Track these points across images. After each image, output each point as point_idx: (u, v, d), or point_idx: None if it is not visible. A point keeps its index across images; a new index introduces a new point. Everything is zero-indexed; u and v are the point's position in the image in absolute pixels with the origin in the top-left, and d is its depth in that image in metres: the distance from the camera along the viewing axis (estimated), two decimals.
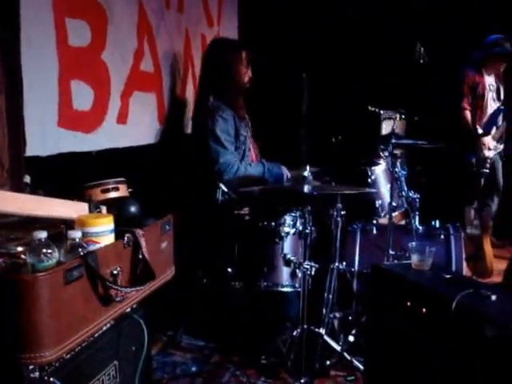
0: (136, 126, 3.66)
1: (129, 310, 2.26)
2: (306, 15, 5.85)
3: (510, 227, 5.96)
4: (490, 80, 5.64)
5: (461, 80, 5.56)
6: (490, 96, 5.62)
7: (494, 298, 2.37)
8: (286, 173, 3.98)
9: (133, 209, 2.52)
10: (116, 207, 2.45)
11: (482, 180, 5.04)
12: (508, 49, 5.40)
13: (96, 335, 2.05)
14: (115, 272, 2.07)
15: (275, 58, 5.46)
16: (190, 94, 4.52)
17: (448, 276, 2.70)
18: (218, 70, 3.92)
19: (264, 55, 4.92)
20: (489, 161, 5.13)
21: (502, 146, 5.58)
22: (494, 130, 5.44)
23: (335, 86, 5.79)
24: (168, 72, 4.11)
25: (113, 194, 2.65)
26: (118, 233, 2.19)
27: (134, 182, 2.89)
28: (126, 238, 2.17)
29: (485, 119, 5.54)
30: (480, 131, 5.49)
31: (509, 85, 5.57)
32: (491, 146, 5.37)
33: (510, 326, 2.10)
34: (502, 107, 5.48)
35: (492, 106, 5.60)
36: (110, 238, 2.13)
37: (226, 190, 3.64)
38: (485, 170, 5.01)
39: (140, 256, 2.23)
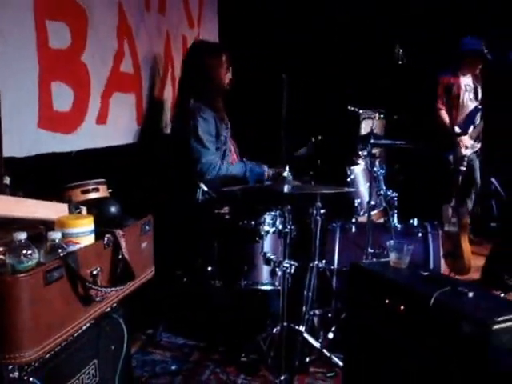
0: (115, 127, 3.67)
1: (108, 309, 2.28)
2: (285, 16, 5.87)
3: (488, 224, 6.03)
4: (466, 80, 5.71)
5: (436, 82, 5.62)
6: (467, 96, 5.68)
7: (470, 295, 2.40)
8: (267, 172, 4.02)
9: (113, 209, 2.54)
10: (96, 208, 2.46)
11: (460, 178, 5.11)
12: (481, 49, 5.47)
13: (76, 335, 2.07)
14: (95, 272, 2.10)
15: (255, 58, 5.48)
16: (169, 94, 4.53)
17: (425, 273, 2.72)
18: (198, 73, 3.94)
19: (244, 56, 4.94)
20: (466, 159, 5.19)
21: (479, 145, 5.63)
22: (471, 129, 5.50)
23: (315, 87, 5.82)
24: (147, 73, 4.13)
25: (93, 195, 2.65)
26: (98, 233, 2.21)
27: (113, 182, 2.90)
28: (105, 239, 2.19)
29: (462, 118, 5.60)
30: (457, 130, 5.55)
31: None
32: (468, 145, 5.42)
33: (487, 322, 2.14)
34: (480, 107, 5.54)
35: (469, 105, 5.66)
36: (90, 239, 2.15)
37: (206, 189, 3.67)
38: (462, 168, 5.07)
39: (120, 256, 2.25)
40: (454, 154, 5.18)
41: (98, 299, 2.10)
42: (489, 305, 2.35)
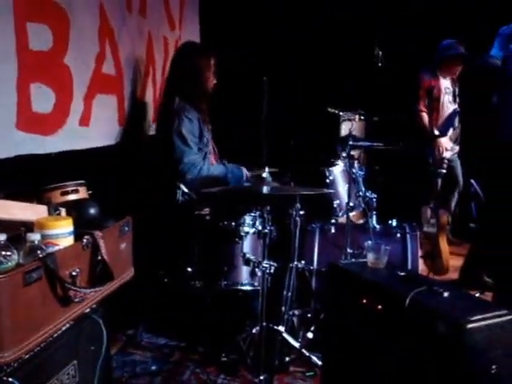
0: (98, 128, 3.68)
1: (88, 310, 2.30)
2: (266, 19, 5.90)
3: (467, 226, 6.09)
4: (445, 83, 5.76)
5: (417, 83, 5.66)
6: (446, 99, 5.73)
7: (446, 294, 2.43)
8: (246, 173, 4.05)
9: (92, 211, 2.55)
10: (75, 209, 2.48)
11: (439, 180, 5.16)
12: (461, 51, 5.52)
13: (55, 335, 2.08)
14: (74, 273, 2.11)
15: (236, 61, 5.50)
16: (151, 96, 4.55)
17: (402, 274, 2.75)
18: (186, 73, 3.96)
19: (225, 58, 4.96)
20: (445, 161, 5.24)
21: (458, 147, 5.69)
22: (450, 132, 5.55)
23: (295, 89, 5.85)
24: (129, 75, 4.13)
25: (72, 197, 2.68)
26: (77, 235, 2.23)
27: (94, 183, 2.92)
28: (84, 240, 2.21)
29: (441, 121, 5.64)
30: (437, 133, 5.60)
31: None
32: (448, 147, 5.47)
33: (461, 322, 2.17)
34: (458, 109, 5.60)
35: (448, 108, 5.71)
36: (69, 240, 2.17)
37: (186, 190, 3.69)
38: (441, 170, 5.12)
39: (99, 257, 2.27)
40: (433, 156, 5.22)
41: (77, 300, 2.12)
42: (464, 304, 2.38)
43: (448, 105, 5.73)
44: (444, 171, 5.12)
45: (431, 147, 5.31)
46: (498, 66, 4.47)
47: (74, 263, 2.12)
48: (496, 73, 4.39)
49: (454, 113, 5.59)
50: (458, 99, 5.78)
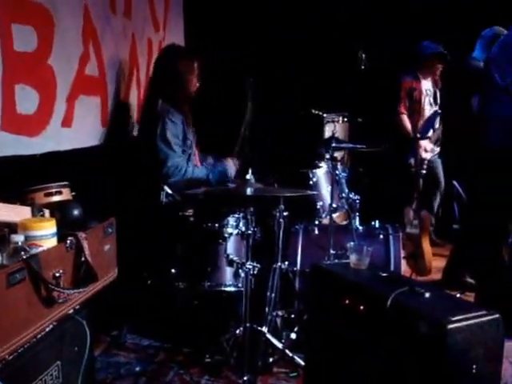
0: (80, 129, 3.67)
1: (72, 311, 2.31)
2: (250, 21, 5.92)
3: (449, 226, 6.14)
4: (427, 85, 5.79)
5: (398, 85, 5.70)
6: (427, 101, 5.77)
7: (427, 295, 2.45)
8: (232, 167, 4.08)
9: (76, 212, 2.56)
10: (59, 211, 2.48)
11: (421, 181, 5.20)
12: (440, 49, 5.57)
13: (39, 336, 2.08)
14: (58, 274, 2.12)
15: (221, 62, 5.51)
16: (134, 97, 4.54)
17: (384, 274, 2.78)
18: (169, 76, 3.97)
19: (209, 59, 4.97)
20: (426, 162, 5.28)
21: (438, 149, 5.72)
22: (431, 133, 5.59)
23: (279, 90, 5.87)
24: (113, 76, 4.13)
25: (56, 198, 2.67)
26: (61, 236, 2.23)
27: (78, 184, 2.92)
28: (68, 241, 2.22)
29: (422, 123, 5.67)
30: (418, 135, 5.63)
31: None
32: (428, 149, 5.50)
33: (442, 322, 2.19)
34: (439, 111, 5.64)
35: (429, 110, 5.75)
36: (52, 241, 2.18)
37: (170, 192, 3.69)
38: (422, 171, 5.16)
39: (82, 258, 2.28)
40: (414, 158, 5.25)
41: (60, 301, 2.13)
42: (445, 305, 2.41)
43: (428, 107, 5.78)
44: (425, 172, 5.17)
45: (412, 149, 5.34)
46: (480, 69, 4.53)
47: (58, 264, 2.13)
48: (478, 75, 4.44)
49: (434, 114, 5.63)
50: (439, 100, 5.82)
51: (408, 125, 5.64)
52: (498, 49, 3.99)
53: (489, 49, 4.62)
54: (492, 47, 4.53)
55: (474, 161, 4.24)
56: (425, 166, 5.13)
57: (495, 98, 3.90)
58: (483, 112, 4.08)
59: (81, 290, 2.23)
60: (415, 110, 5.67)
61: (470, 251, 4.76)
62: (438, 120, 5.61)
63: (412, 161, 5.35)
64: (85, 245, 2.28)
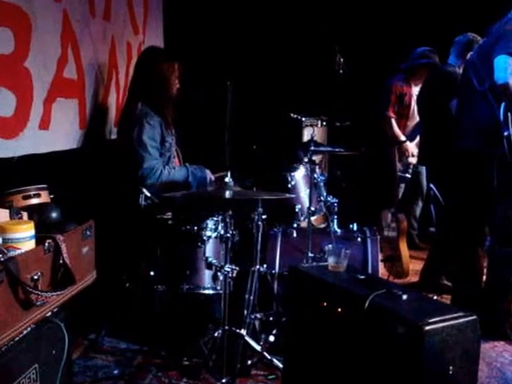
0: (58, 132, 3.65)
1: (49, 314, 2.30)
2: (230, 25, 5.93)
3: (427, 229, 6.19)
4: (416, 90, 5.82)
5: (388, 89, 5.70)
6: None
7: (404, 297, 2.48)
8: (210, 175, 4.07)
9: (54, 215, 2.55)
10: (37, 213, 2.48)
11: (403, 185, 5.25)
12: (434, 60, 5.61)
13: (16, 339, 2.08)
14: (35, 277, 2.12)
15: (200, 66, 5.52)
16: (113, 100, 4.53)
17: (362, 277, 2.80)
18: (150, 78, 3.97)
19: (189, 63, 4.97)
20: (411, 167, 5.33)
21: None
22: (417, 138, 5.63)
23: (259, 94, 5.89)
24: (91, 79, 4.11)
25: (34, 201, 2.66)
26: (39, 238, 2.23)
27: (56, 187, 2.91)
28: (46, 244, 2.22)
29: (410, 127, 5.69)
30: (403, 138, 5.67)
31: None
32: (415, 153, 5.54)
33: (419, 324, 2.22)
34: None
35: (418, 115, 5.78)
36: (30, 244, 2.17)
37: (148, 194, 3.69)
38: (407, 175, 5.21)
39: (60, 261, 2.27)
40: (401, 162, 5.29)
41: (38, 303, 2.12)
42: (422, 307, 2.43)
43: (416, 112, 5.80)
44: (409, 176, 5.21)
45: (398, 152, 5.38)
46: (456, 74, 4.58)
47: (36, 267, 2.13)
48: (455, 80, 4.49)
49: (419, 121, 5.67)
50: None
51: (397, 129, 5.65)
52: (476, 55, 4.04)
53: (463, 55, 4.69)
54: (466, 53, 4.60)
55: (451, 164, 4.29)
56: (410, 171, 5.18)
57: (473, 103, 3.94)
58: (461, 116, 4.12)
59: (59, 292, 2.23)
60: (404, 114, 5.70)
61: (447, 254, 4.82)
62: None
63: (399, 165, 5.38)
64: (63, 247, 2.27)
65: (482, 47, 3.98)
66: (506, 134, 3.68)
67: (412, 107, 5.77)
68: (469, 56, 4.47)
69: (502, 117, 3.72)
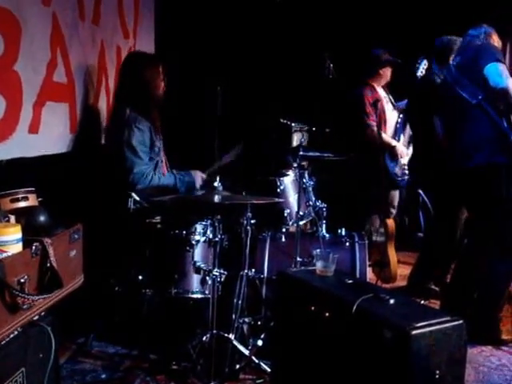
0: (48, 136, 3.65)
1: (36, 317, 2.30)
2: (220, 30, 5.94)
3: (415, 235, 6.22)
4: (382, 93, 5.82)
5: (361, 100, 5.63)
6: (389, 107, 5.82)
7: (392, 301, 2.50)
8: (199, 177, 4.08)
9: (42, 218, 2.55)
10: (25, 216, 2.47)
11: (403, 190, 5.28)
12: (391, 58, 5.66)
13: (3, 342, 2.08)
14: (22, 280, 2.11)
15: (190, 71, 5.53)
16: (103, 104, 4.53)
17: (350, 281, 2.82)
18: (134, 83, 3.98)
19: (180, 68, 4.99)
20: (406, 167, 5.35)
21: (410, 151, 5.72)
22: (402, 139, 5.65)
23: (249, 99, 5.90)
24: (81, 83, 4.11)
25: (22, 204, 2.66)
26: (27, 242, 2.23)
27: (45, 191, 2.91)
28: (33, 247, 2.22)
29: (391, 130, 5.70)
30: (394, 143, 5.66)
31: None
32: (404, 154, 5.55)
33: (406, 328, 2.23)
34: (401, 115, 5.70)
35: (392, 116, 5.80)
36: (17, 247, 2.17)
37: (137, 198, 3.69)
38: (405, 178, 5.25)
39: (48, 264, 2.27)
40: (397, 166, 5.30)
41: (25, 307, 2.12)
42: (409, 311, 2.45)
43: (391, 113, 5.82)
44: (407, 178, 5.25)
45: (391, 158, 5.37)
46: (439, 84, 4.60)
47: (23, 270, 2.13)
48: (438, 91, 4.50)
49: (398, 119, 5.69)
50: (395, 105, 5.88)
51: (384, 135, 5.63)
52: (457, 73, 4.04)
53: (444, 60, 4.69)
54: (448, 57, 4.60)
55: (445, 177, 4.37)
56: (406, 172, 5.21)
57: (470, 118, 3.94)
58: (456, 134, 4.10)
59: (45, 296, 2.23)
60: (382, 119, 5.71)
61: (435, 259, 4.84)
62: (401, 123, 5.66)
63: (397, 170, 5.38)
64: (50, 251, 2.27)
65: (460, 67, 3.99)
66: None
67: (386, 111, 5.79)
68: (451, 61, 4.49)
69: (505, 124, 3.76)
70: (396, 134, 5.60)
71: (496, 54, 3.73)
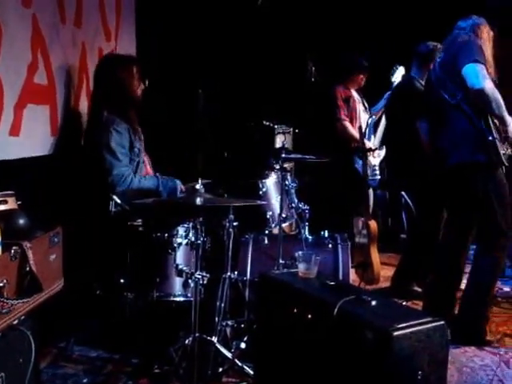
0: (29, 138, 3.63)
1: (16, 321, 2.28)
2: (203, 32, 5.94)
3: (398, 236, 6.23)
4: (356, 95, 5.87)
5: (333, 95, 5.71)
6: (361, 108, 5.85)
7: (373, 303, 2.51)
8: (180, 186, 4.06)
9: (21, 221, 2.53)
10: (4, 220, 2.45)
11: (371, 190, 5.29)
12: (364, 64, 5.76)
13: None
14: (1, 284, 2.10)
15: (172, 73, 5.52)
16: (85, 106, 4.50)
17: (332, 283, 2.82)
18: (110, 85, 3.97)
19: (161, 70, 4.98)
20: (377, 168, 5.36)
21: (383, 152, 5.75)
22: (372, 139, 5.67)
23: (231, 102, 5.90)
24: (62, 85, 4.09)
25: (1, 207, 2.63)
26: (6, 245, 2.21)
27: (25, 194, 2.89)
28: (12, 251, 2.20)
29: (363, 130, 5.71)
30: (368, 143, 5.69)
31: None
32: (375, 154, 5.58)
33: (388, 329, 2.23)
34: (374, 117, 5.74)
35: (363, 116, 5.83)
36: None
37: (119, 201, 3.67)
38: (376, 178, 5.26)
39: (27, 268, 2.25)
40: (364, 165, 5.31)
41: (4, 311, 2.10)
42: (390, 312, 2.46)
43: (362, 113, 5.85)
44: (379, 177, 5.27)
45: (361, 157, 5.38)
46: (421, 89, 4.63)
47: (2, 274, 2.11)
48: (420, 96, 4.54)
49: (370, 120, 5.72)
50: (367, 107, 5.91)
51: (353, 130, 5.66)
52: (440, 71, 4.07)
53: (426, 65, 4.73)
54: (428, 63, 4.64)
55: (424, 177, 4.45)
56: (377, 172, 5.22)
57: (450, 118, 3.97)
58: (439, 134, 4.13)
59: (25, 300, 2.21)
60: (353, 117, 5.74)
61: (416, 260, 4.86)
62: (372, 125, 5.70)
63: (366, 169, 5.40)
64: (29, 254, 2.25)
65: (443, 64, 4.01)
66: (490, 139, 3.74)
67: (358, 110, 5.82)
68: (432, 67, 4.52)
69: (482, 124, 3.78)
70: (366, 135, 5.60)
71: (475, 55, 3.74)
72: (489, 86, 3.65)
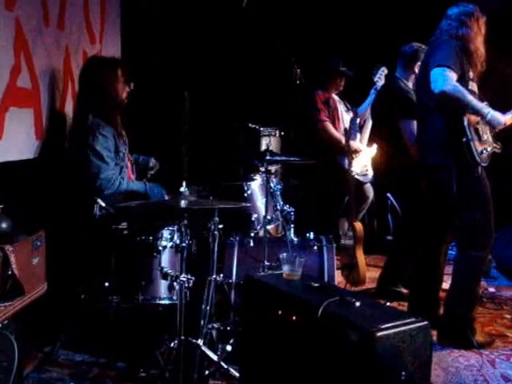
0: (12, 142, 3.61)
1: None
2: (189, 34, 5.94)
3: (384, 238, 6.25)
4: (336, 97, 5.89)
5: (312, 98, 5.72)
6: (342, 108, 5.87)
7: (357, 304, 2.52)
8: (164, 195, 4.07)
9: (3, 225, 2.52)
10: None
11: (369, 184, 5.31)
12: (343, 69, 5.76)
13: None
14: None
15: (157, 75, 5.52)
16: (70, 109, 4.49)
17: (316, 285, 2.83)
18: (94, 89, 3.96)
19: (147, 73, 4.97)
20: (367, 166, 5.38)
21: (371, 150, 5.74)
22: (358, 137, 5.68)
23: (216, 104, 5.90)
24: (46, 88, 4.08)
25: None
26: None
27: (8, 197, 2.87)
28: None
29: (342, 130, 5.71)
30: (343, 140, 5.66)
31: None
32: (359, 148, 5.57)
33: (371, 330, 2.24)
34: (355, 117, 5.76)
35: (346, 116, 5.85)
36: None
37: (103, 205, 3.66)
38: (368, 175, 5.28)
39: (9, 272, 2.24)
40: (349, 163, 5.31)
41: None
42: (374, 313, 2.47)
43: (344, 114, 5.86)
44: (370, 175, 5.29)
45: (345, 156, 5.37)
46: (405, 91, 4.66)
47: None
48: (406, 97, 4.57)
49: (352, 120, 5.73)
50: (349, 107, 5.93)
51: (334, 131, 5.66)
52: (419, 73, 4.13)
53: (410, 66, 4.76)
54: (413, 64, 4.68)
55: (410, 178, 4.51)
56: (367, 170, 5.24)
57: (428, 118, 4.01)
58: (421, 134, 4.17)
59: (7, 303, 2.20)
60: (335, 116, 5.75)
61: (403, 261, 4.88)
62: (357, 124, 5.71)
63: (355, 167, 5.40)
64: (12, 258, 2.25)
65: (425, 63, 4.03)
66: (464, 140, 3.75)
67: (339, 110, 5.83)
68: (417, 67, 4.56)
69: (457, 125, 3.80)
70: (350, 134, 5.60)
71: (444, 57, 3.73)
72: (448, 87, 3.63)
